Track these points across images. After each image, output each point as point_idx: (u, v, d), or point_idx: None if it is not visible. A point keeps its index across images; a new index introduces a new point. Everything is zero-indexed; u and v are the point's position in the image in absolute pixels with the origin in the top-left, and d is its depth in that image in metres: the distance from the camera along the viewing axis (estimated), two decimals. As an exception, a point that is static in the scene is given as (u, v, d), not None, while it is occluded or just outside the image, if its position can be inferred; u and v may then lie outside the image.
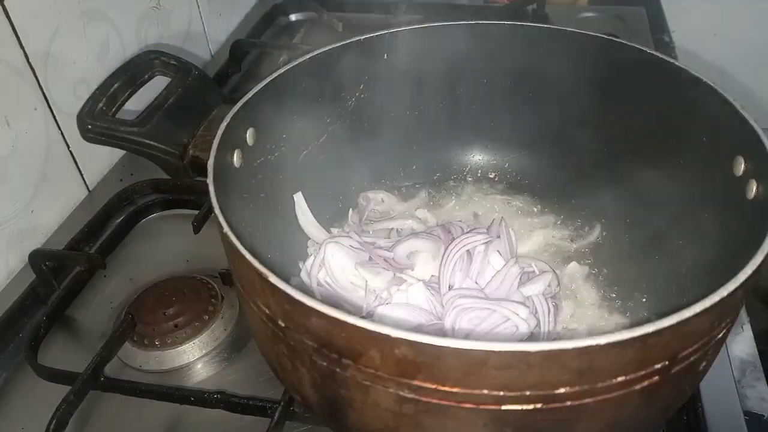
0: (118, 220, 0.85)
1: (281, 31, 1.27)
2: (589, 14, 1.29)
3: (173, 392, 0.63)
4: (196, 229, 0.75)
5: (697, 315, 0.39)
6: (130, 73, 0.64)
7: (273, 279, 0.43)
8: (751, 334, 0.67)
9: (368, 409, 0.45)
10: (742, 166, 0.55)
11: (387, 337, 0.39)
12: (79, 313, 0.75)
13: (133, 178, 0.90)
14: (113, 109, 0.62)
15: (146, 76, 0.65)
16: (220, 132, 0.56)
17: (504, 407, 0.41)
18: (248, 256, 0.45)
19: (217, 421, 0.61)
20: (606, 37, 0.68)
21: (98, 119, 0.60)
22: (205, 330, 0.69)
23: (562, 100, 0.71)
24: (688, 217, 0.62)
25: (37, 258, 0.75)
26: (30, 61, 0.78)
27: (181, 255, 0.80)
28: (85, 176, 0.90)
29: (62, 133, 0.84)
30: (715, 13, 1.62)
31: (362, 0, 1.29)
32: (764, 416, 0.60)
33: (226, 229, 0.47)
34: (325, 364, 0.44)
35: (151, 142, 0.59)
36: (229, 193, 0.55)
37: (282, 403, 0.59)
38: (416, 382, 0.41)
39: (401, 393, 0.42)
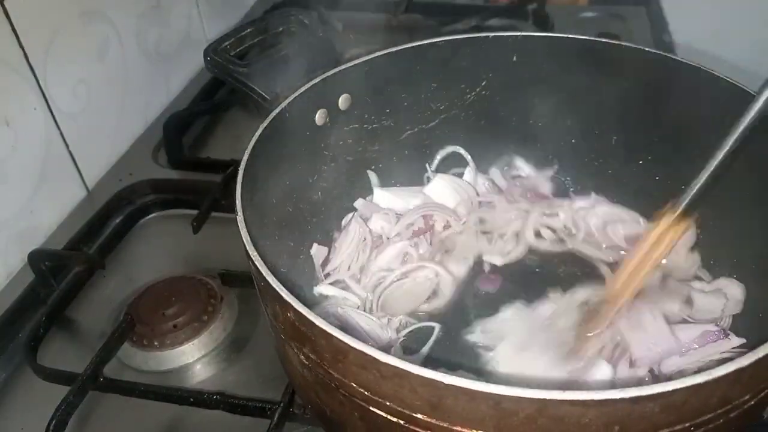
0: (118, 220, 0.85)
1: (281, 31, 1.27)
2: (590, 14, 1.28)
3: (173, 393, 0.63)
4: (196, 229, 0.75)
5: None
6: (265, 23, 0.71)
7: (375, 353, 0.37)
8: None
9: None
10: None
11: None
12: (79, 313, 0.75)
13: (132, 178, 0.90)
14: (237, 50, 0.69)
15: (280, 29, 0.71)
16: (302, 89, 0.62)
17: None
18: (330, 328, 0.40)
19: (216, 422, 0.61)
20: (658, 53, 0.68)
21: (218, 54, 0.67)
22: (205, 330, 0.69)
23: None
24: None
25: (36, 258, 0.75)
26: (30, 61, 0.78)
27: (181, 255, 0.80)
28: (84, 176, 0.90)
29: (62, 133, 0.84)
30: (715, 13, 1.62)
31: (362, -1, 1.29)
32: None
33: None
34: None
35: (249, 83, 0.66)
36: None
37: (282, 404, 0.59)
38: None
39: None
